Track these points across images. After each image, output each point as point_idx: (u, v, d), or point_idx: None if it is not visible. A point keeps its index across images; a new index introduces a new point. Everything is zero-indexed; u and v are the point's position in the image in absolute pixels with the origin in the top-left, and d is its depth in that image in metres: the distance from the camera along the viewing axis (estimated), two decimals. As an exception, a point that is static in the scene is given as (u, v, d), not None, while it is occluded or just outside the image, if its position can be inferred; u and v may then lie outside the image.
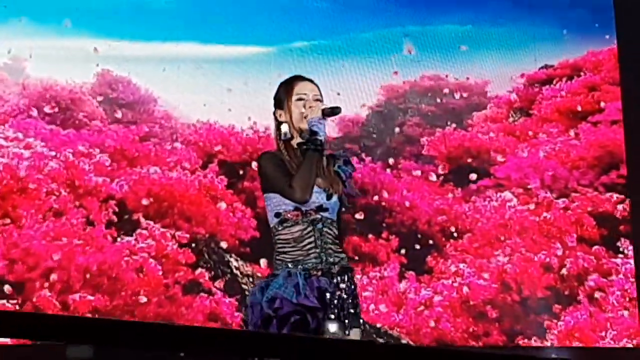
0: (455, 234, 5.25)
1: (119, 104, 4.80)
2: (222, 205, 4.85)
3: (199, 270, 4.81)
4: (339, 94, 5.05)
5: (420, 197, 5.21)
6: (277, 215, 2.43)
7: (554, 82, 5.17)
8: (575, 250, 5.14)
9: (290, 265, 2.36)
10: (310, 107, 2.45)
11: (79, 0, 4.67)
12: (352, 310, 2.40)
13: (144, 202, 4.81)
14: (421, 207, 5.27)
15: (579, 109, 5.14)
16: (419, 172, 5.15)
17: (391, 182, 5.17)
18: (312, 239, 2.36)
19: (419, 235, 5.20)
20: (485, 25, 5.10)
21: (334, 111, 2.44)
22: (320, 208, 2.38)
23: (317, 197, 2.41)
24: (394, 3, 4.97)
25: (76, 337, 1.22)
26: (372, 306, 5.02)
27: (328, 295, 2.34)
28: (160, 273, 4.74)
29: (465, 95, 5.12)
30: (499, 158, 5.20)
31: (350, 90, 5.08)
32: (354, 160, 5.12)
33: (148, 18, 4.69)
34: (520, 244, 5.21)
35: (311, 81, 2.56)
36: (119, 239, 4.88)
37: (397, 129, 5.11)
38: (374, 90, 5.01)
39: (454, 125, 5.19)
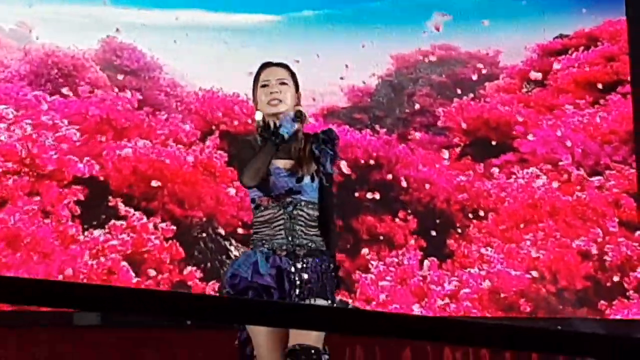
0: (478, 214, 4.69)
1: (123, 70, 4.53)
2: (231, 190, 4.34)
3: (188, 268, 4.27)
4: (347, 65, 4.87)
5: (437, 172, 4.74)
6: (252, 201, 2.49)
7: (570, 52, 4.85)
8: (616, 235, 4.59)
9: (259, 244, 2.41)
10: (272, 92, 2.44)
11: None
12: (317, 287, 2.38)
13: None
14: (439, 184, 4.73)
15: (599, 84, 4.76)
16: (434, 146, 4.73)
17: (406, 156, 4.72)
18: (281, 221, 2.40)
19: (438, 215, 4.68)
20: None
21: (300, 116, 2.41)
22: (290, 191, 2.41)
23: (287, 180, 2.42)
24: None
25: (84, 304, 1.19)
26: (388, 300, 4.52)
27: (286, 275, 2.35)
28: (135, 280, 4.15)
29: (477, 65, 4.81)
30: (522, 131, 4.77)
31: (360, 59, 4.88)
32: (365, 132, 4.88)
33: None
34: (553, 227, 4.63)
35: (281, 65, 2.53)
36: (82, 236, 4.23)
37: (406, 99, 4.83)
38: (384, 59, 4.78)
39: (471, 95, 4.81)
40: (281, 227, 2.41)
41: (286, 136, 2.36)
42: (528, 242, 4.65)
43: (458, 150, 4.84)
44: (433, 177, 4.76)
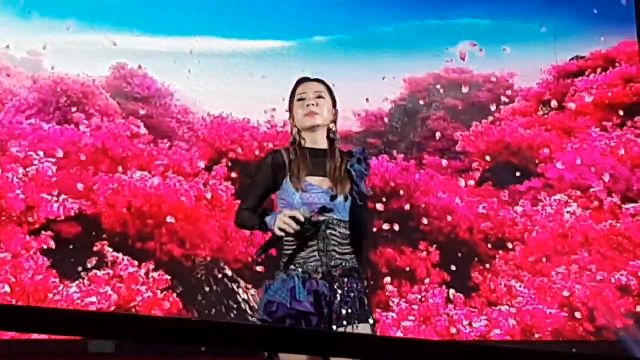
0: (504, 245, 4.30)
1: (134, 97, 4.40)
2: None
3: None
4: (358, 91, 4.67)
5: (458, 199, 4.40)
6: None
7: (587, 73, 4.65)
8: (657, 268, 3.99)
9: (292, 267, 2.27)
10: (308, 105, 2.35)
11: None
12: (356, 309, 2.25)
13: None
14: (460, 212, 4.35)
15: (619, 106, 4.57)
16: (451, 171, 4.49)
17: (425, 183, 4.42)
18: (314, 242, 2.27)
19: (461, 246, 4.31)
20: (502, 19, 4.89)
21: (325, 211, 2.31)
22: (323, 209, 2.29)
23: (320, 198, 2.30)
24: None
25: (98, 333, 1.20)
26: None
27: (325, 299, 2.22)
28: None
29: (490, 87, 4.62)
30: (546, 155, 4.49)
31: (372, 84, 4.70)
32: (382, 158, 4.63)
33: (168, 12, 4.51)
34: (588, 259, 4.23)
35: (319, 81, 2.44)
36: (53, 294, 3.76)
37: (420, 123, 4.61)
38: (397, 83, 4.59)
39: (490, 118, 4.56)
40: (314, 248, 2.27)
41: (323, 227, 2.29)
42: (560, 276, 4.20)
43: (477, 175, 4.48)
44: (454, 205, 4.48)
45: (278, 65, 4.37)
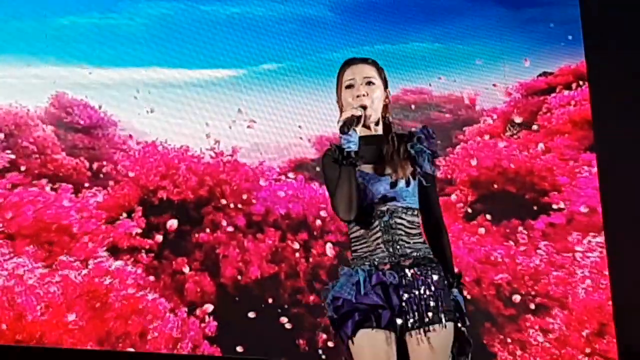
0: (529, 305, 3.39)
1: (74, 128, 4.26)
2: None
3: None
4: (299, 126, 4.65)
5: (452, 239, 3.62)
6: None
7: (557, 90, 4.36)
8: None
9: (359, 262, 2.13)
10: (358, 96, 2.16)
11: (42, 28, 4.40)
12: (431, 304, 2.06)
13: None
14: (460, 256, 3.55)
15: None
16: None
17: None
18: (379, 233, 2.12)
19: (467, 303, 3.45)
20: (452, 43, 4.70)
21: (352, 121, 2.12)
22: (384, 198, 2.14)
23: (379, 186, 2.13)
24: (364, 22, 4.58)
25: None
26: None
27: (393, 289, 2.07)
28: None
29: (451, 108, 4.39)
30: (561, 182, 3.87)
31: (325, 109, 4.67)
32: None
33: (115, 43, 4.41)
34: None
35: (367, 61, 2.23)
36: None
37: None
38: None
39: (454, 140, 4.21)
40: (379, 240, 2.12)
41: (354, 148, 2.08)
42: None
43: (464, 208, 3.92)
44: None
45: (227, 93, 4.45)
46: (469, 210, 4.01)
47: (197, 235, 4.10)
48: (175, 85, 4.43)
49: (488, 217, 3.95)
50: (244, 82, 4.49)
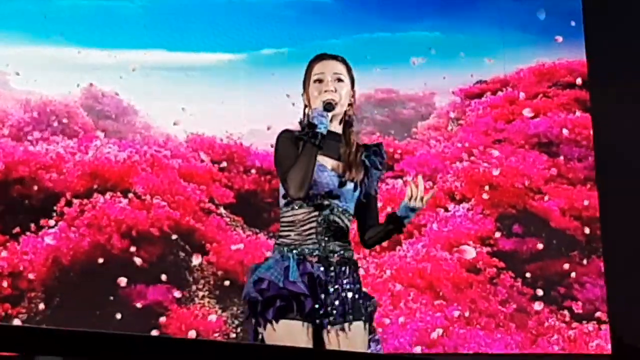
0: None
1: (106, 116, 4.52)
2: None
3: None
4: (293, 104, 4.84)
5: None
6: (285, 196, 2.18)
7: (485, 96, 5.03)
8: None
9: (286, 249, 2.14)
10: (326, 90, 2.16)
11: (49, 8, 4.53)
12: (353, 302, 2.12)
13: None
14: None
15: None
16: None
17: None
18: (314, 224, 2.14)
19: None
20: (451, 32, 4.92)
21: (330, 106, 2.15)
22: (329, 194, 2.16)
23: (329, 181, 2.16)
24: (362, 10, 4.84)
25: (46, 349, 1.14)
26: None
27: (320, 282, 2.10)
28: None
29: (413, 105, 4.95)
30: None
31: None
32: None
33: (115, 25, 4.52)
34: None
35: (338, 59, 2.24)
36: None
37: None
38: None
39: (413, 131, 4.76)
40: (312, 231, 2.15)
41: (324, 131, 2.09)
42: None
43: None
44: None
45: (226, 78, 4.47)
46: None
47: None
48: (176, 69, 4.52)
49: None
50: (244, 66, 4.54)
